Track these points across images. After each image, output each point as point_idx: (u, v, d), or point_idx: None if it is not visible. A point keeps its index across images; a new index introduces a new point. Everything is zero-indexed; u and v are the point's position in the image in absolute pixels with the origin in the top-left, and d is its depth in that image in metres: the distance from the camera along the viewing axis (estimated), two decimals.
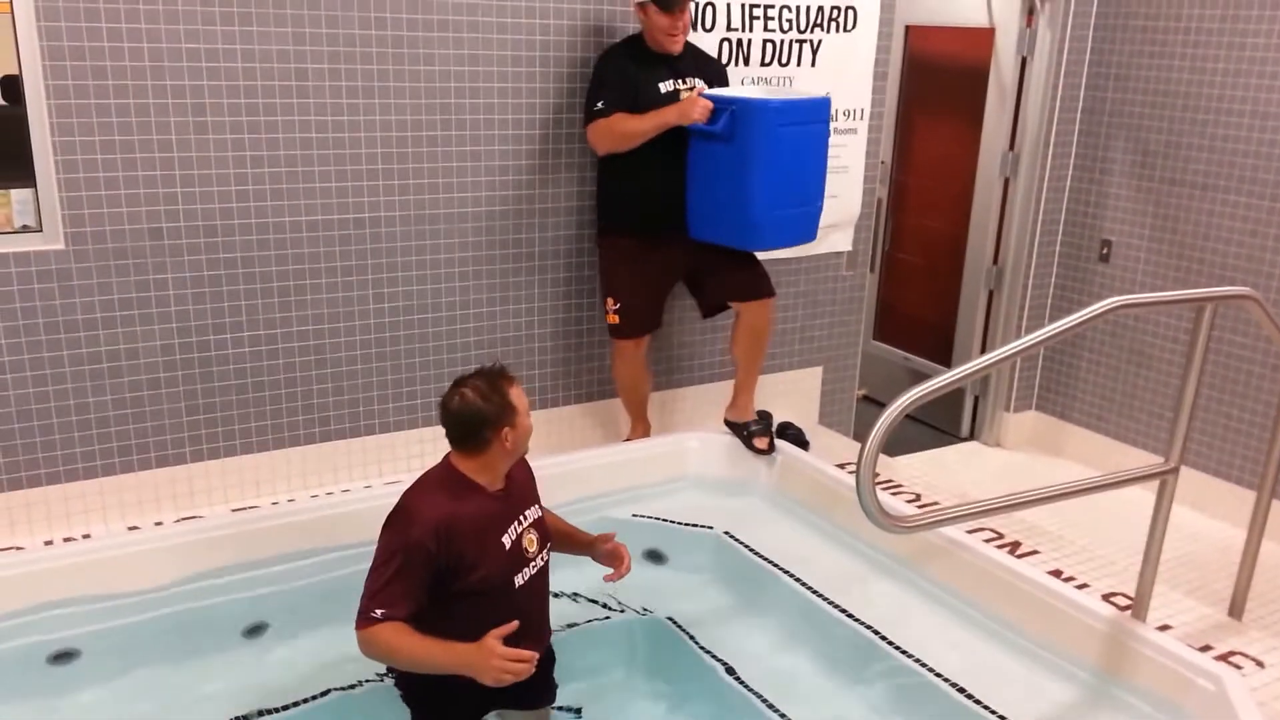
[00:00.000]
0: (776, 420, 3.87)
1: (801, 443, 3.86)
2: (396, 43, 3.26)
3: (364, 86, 3.25)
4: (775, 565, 3.21)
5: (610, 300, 3.56)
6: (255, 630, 2.86)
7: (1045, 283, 4.83)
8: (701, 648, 2.84)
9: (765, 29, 3.83)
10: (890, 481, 3.72)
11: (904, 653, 2.79)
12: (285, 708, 2.55)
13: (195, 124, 3.06)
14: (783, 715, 2.59)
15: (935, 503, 3.54)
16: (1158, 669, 2.56)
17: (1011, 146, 4.74)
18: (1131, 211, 4.47)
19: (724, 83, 3.56)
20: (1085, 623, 2.72)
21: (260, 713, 2.53)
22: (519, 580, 2.28)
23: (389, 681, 2.44)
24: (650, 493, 3.58)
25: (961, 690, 2.64)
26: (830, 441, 4.11)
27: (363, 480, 3.54)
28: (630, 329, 3.57)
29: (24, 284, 2.96)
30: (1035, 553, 3.20)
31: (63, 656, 2.71)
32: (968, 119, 4.91)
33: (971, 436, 5.08)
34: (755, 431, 3.68)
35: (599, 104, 3.32)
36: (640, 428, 3.81)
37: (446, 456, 2.30)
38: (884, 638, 2.85)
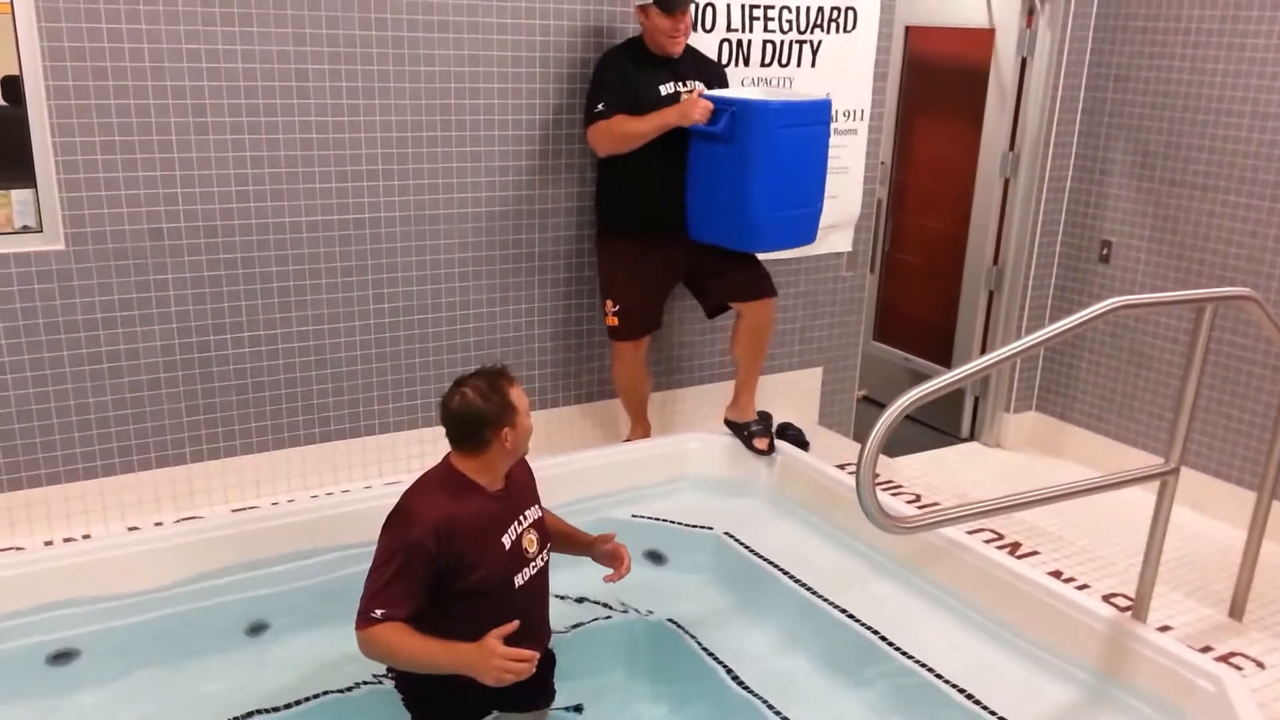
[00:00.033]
0: (776, 421, 3.87)
1: (801, 443, 3.86)
2: (396, 43, 3.26)
3: (364, 87, 3.25)
4: (775, 566, 3.21)
5: (610, 302, 3.56)
6: (255, 630, 2.86)
7: (1045, 283, 4.83)
8: (703, 648, 2.84)
9: (765, 30, 3.83)
10: (890, 482, 3.72)
11: (904, 653, 2.79)
12: (286, 707, 2.55)
13: (195, 124, 3.06)
14: (782, 716, 2.59)
15: (935, 503, 3.54)
16: (1158, 670, 2.56)
17: (1011, 147, 4.74)
18: (1131, 212, 4.47)
19: (724, 85, 3.56)
20: (1085, 623, 2.72)
21: (260, 713, 2.53)
22: (519, 580, 2.29)
23: (389, 684, 2.44)
24: (650, 493, 3.58)
25: (962, 691, 2.64)
26: (830, 442, 4.11)
27: (363, 480, 3.54)
28: (629, 331, 3.57)
29: (24, 284, 2.96)
30: (1035, 553, 3.20)
31: (62, 657, 2.71)
32: (968, 119, 4.91)
33: (972, 437, 5.08)
34: (755, 432, 3.68)
35: (599, 105, 3.32)
36: (640, 428, 3.81)
37: (446, 457, 2.31)
38: (884, 638, 2.85)
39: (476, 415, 2.20)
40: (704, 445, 3.75)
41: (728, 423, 3.76)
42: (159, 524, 3.16)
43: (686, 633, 2.90)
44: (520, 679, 2.14)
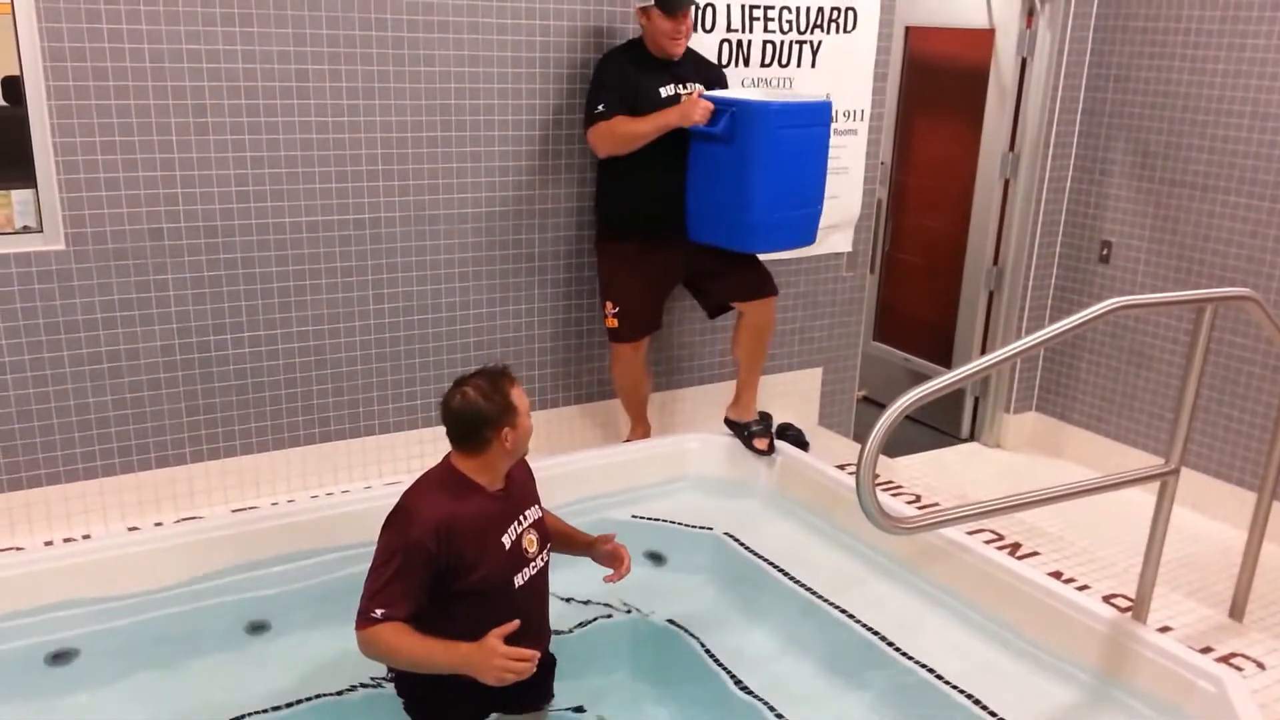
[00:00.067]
0: (776, 421, 3.87)
1: (801, 444, 3.86)
2: (396, 43, 3.26)
3: (364, 87, 3.25)
4: (775, 566, 3.21)
5: (609, 304, 3.56)
6: (255, 630, 2.86)
7: (1045, 284, 4.83)
8: (704, 648, 2.84)
9: (765, 30, 3.83)
10: (890, 483, 3.72)
11: (904, 654, 2.79)
12: (286, 706, 2.55)
13: (196, 125, 3.06)
14: (781, 716, 2.59)
15: (935, 504, 3.54)
16: (1158, 671, 2.56)
17: (1011, 147, 4.74)
18: (1131, 212, 4.47)
19: (723, 87, 3.55)
20: (1086, 624, 2.72)
21: (260, 712, 2.53)
22: (519, 580, 2.29)
23: (388, 688, 2.44)
24: (650, 494, 3.58)
25: (962, 692, 2.64)
26: (830, 442, 4.11)
27: (363, 481, 3.54)
28: (629, 332, 3.57)
29: (24, 284, 2.96)
30: (1036, 554, 3.19)
31: (62, 657, 2.71)
32: (968, 120, 4.91)
33: (972, 437, 5.08)
34: (755, 432, 3.68)
35: (599, 107, 3.32)
36: (640, 429, 3.81)
37: (447, 456, 2.31)
38: (884, 639, 2.85)
39: (477, 415, 2.20)
40: (704, 445, 3.75)
41: (728, 422, 3.76)
42: (159, 524, 3.16)
43: (686, 633, 2.90)
44: (521, 679, 2.14)
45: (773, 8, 3.81)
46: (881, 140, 4.38)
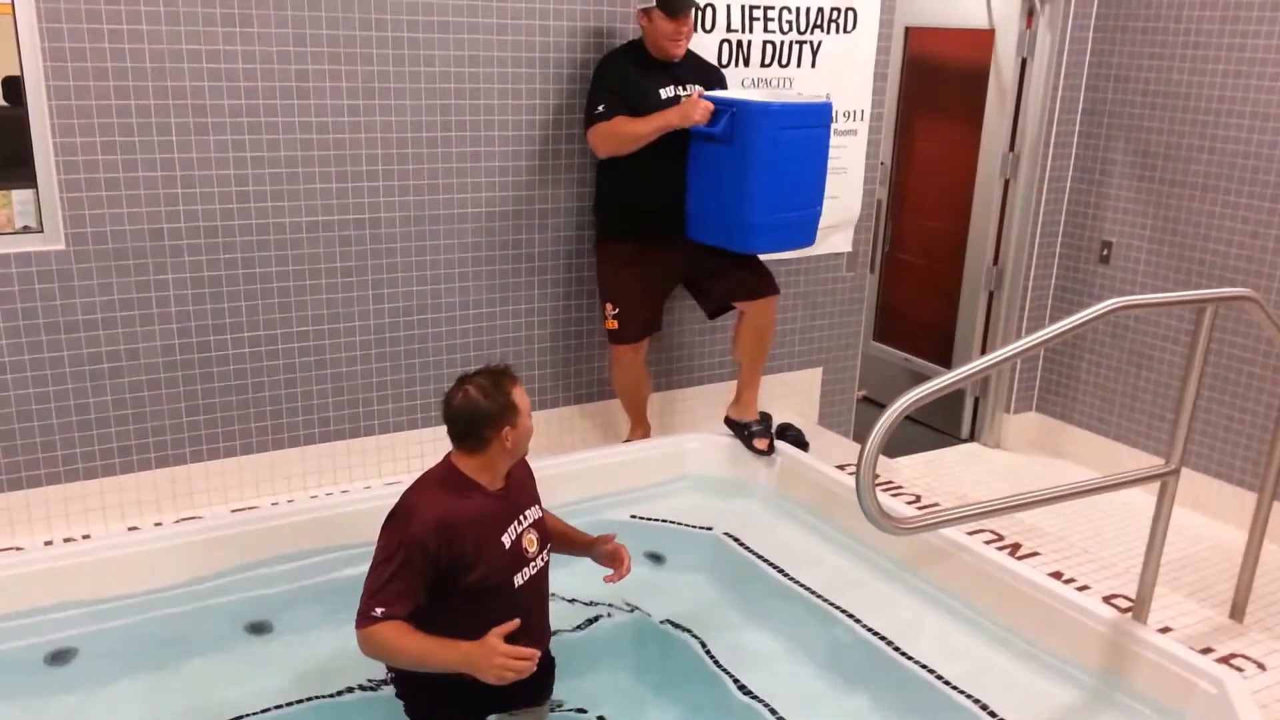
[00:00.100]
0: (776, 421, 3.87)
1: (801, 444, 3.86)
2: (396, 43, 3.26)
3: (364, 87, 3.25)
4: (774, 567, 3.21)
5: (609, 305, 3.56)
6: (255, 630, 2.86)
7: (1045, 284, 4.83)
8: (704, 649, 2.83)
9: (765, 30, 3.83)
10: (890, 483, 3.71)
11: (904, 654, 2.79)
12: (287, 705, 2.55)
13: (196, 125, 3.06)
14: (780, 716, 2.59)
15: (935, 504, 3.54)
16: (1159, 671, 2.56)
17: (1011, 148, 4.74)
18: (1132, 213, 4.47)
19: (723, 89, 3.55)
20: (1086, 625, 2.71)
21: (260, 712, 2.53)
22: (519, 580, 2.29)
23: (385, 691, 2.44)
24: (650, 494, 3.58)
25: (961, 692, 2.64)
26: (830, 443, 4.11)
27: (363, 480, 3.54)
28: (629, 334, 3.57)
29: (25, 284, 2.96)
30: (1036, 554, 3.19)
31: (61, 657, 2.71)
32: (968, 120, 4.91)
33: (972, 438, 5.08)
34: (756, 432, 3.67)
35: (600, 107, 3.32)
36: (640, 429, 3.81)
37: (447, 455, 2.31)
38: (884, 639, 2.85)
39: (478, 413, 2.20)
40: (704, 446, 3.75)
41: (728, 421, 3.76)
42: (159, 524, 3.16)
43: (686, 633, 2.90)
44: (521, 677, 2.14)
45: (773, 8, 3.81)
46: (881, 140, 4.38)
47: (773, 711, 2.60)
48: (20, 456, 3.06)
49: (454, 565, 2.18)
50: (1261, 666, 2.69)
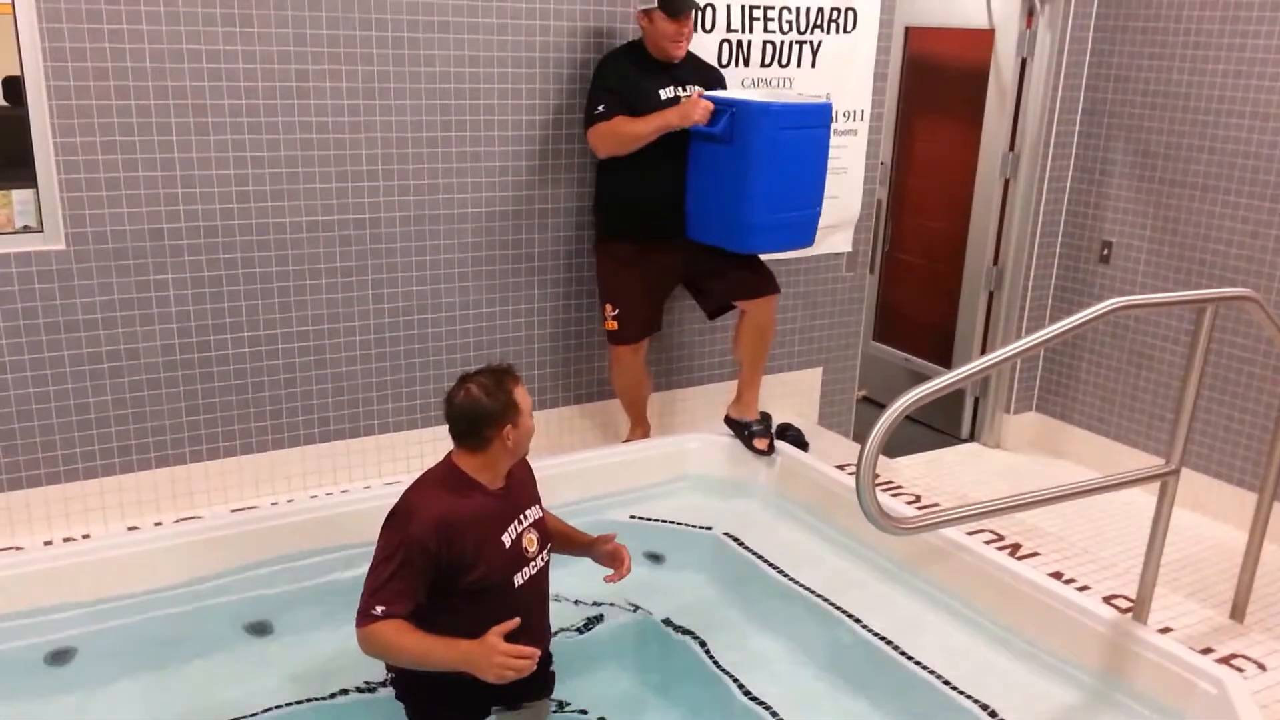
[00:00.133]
0: (776, 421, 3.87)
1: (801, 444, 3.86)
2: (396, 43, 3.26)
3: (364, 87, 3.25)
4: (774, 567, 3.21)
5: (608, 306, 3.56)
6: (255, 630, 2.86)
7: (1045, 284, 4.83)
8: (704, 649, 2.83)
9: (765, 30, 3.83)
10: (890, 483, 3.71)
11: (903, 654, 2.79)
12: (286, 705, 2.55)
13: (196, 125, 3.06)
14: (780, 718, 2.59)
15: (935, 504, 3.54)
16: (1159, 672, 2.56)
17: (1011, 147, 4.74)
18: (1132, 213, 4.47)
19: (723, 89, 3.55)
20: (1086, 625, 2.71)
21: (261, 712, 2.53)
22: (519, 579, 2.29)
23: (384, 693, 2.43)
24: (650, 493, 3.58)
25: (961, 692, 2.64)
26: (830, 443, 4.11)
27: (363, 480, 3.54)
28: (629, 334, 3.57)
29: (25, 284, 2.96)
30: (1036, 555, 3.19)
31: (61, 657, 2.70)
32: (968, 120, 4.91)
33: (972, 438, 5.08)
34: (756, 432, 3.67)
35: (600, 107, 3.32)
36: (640, 429, 3.81)
37: (448, 455, 2.31)
38: (884, 639, 2.85)
39: (480, 411, 2.20)
40: (704, 445, 3.75)
41: (729, 420, 3.76)
42: (159, 524, 3.16)
43: (686, 633, 2.90)
44: (521, 676, 2.14)
45: (773, 8, 3.81)
46: (881, 140, 4.38)
47: (774, 713, 2.60)
48: (20, 456, 3.06)
49: (454, 564, 2.18)
50: (1262, 667, 2.69)
